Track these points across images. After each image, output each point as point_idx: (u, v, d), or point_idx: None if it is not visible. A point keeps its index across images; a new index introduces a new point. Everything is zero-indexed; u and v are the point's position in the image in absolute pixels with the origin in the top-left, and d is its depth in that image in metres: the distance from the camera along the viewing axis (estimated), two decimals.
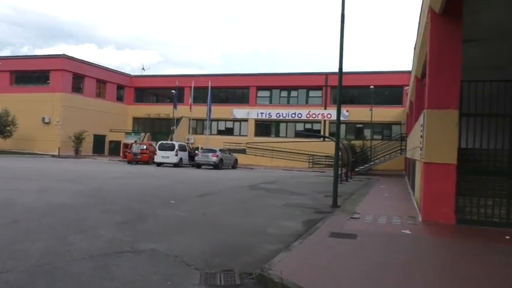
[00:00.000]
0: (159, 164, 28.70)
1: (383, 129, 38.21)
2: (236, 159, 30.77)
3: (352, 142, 31.45)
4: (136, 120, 46.22)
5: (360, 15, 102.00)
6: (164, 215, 8.54)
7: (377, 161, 27.30)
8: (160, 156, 28.41)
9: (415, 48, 16.17)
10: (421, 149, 8.76)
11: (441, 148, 8.26)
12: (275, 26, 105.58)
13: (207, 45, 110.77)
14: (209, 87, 36.83)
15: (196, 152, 29.13)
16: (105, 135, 42.17)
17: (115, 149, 41.74)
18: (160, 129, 43.97)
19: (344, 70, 10.86)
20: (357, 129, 38.91)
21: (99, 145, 41.57)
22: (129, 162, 30.18)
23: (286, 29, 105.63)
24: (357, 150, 29.34)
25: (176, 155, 28.14)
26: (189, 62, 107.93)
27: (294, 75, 40.67)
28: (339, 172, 20.36)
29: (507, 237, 7.17)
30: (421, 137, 8.80)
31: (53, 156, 34.83)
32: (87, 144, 38.87)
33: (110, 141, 42.54)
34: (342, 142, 25.13)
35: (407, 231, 7.46)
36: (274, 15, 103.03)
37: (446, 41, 8.32)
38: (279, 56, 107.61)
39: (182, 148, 29.35)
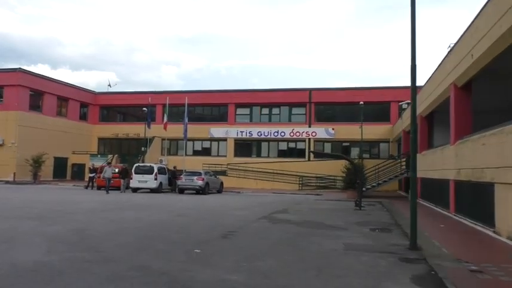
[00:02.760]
0: (135, 190, 25.17)
1: (371, 147, 36.40)
2: (222, 183, 27.65)
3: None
4: (102, 140, 42.18)
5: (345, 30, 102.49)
6: (207, 281, 5.51)
7: (380, 182, 25.07)
8: (136, 180, 24.82)
9: (450, 51, 14.09)
10: None
11: None
12: (233, 44, 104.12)
13: (165, 66, 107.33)
14: (185, 104, 33.72)
15: (179, 175, 25.68)
16: (67, 158, 37.92)
17: (78, 173, 37.57)
18: (129, 150, 40.22)
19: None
20: (343, 148, 36.87)
21: (61, 169, 37.15)
22: (99, 188, 26.50)
23: (245, 47, 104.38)
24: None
25: (156, 179, 24.66)
26: (147, 83, 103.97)
27: (275, 91, 38.40)
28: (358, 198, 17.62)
29: None
30: None
31: (8, 182, 30.36)
32: (47, 168, 34.58)
33: (73, 165, 38.29)
34: (352, 161, 22.78)
35: None
36: (234, 34, 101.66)
37: None
38: (237, 75, 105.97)
39: (161, 171, 25.91)
